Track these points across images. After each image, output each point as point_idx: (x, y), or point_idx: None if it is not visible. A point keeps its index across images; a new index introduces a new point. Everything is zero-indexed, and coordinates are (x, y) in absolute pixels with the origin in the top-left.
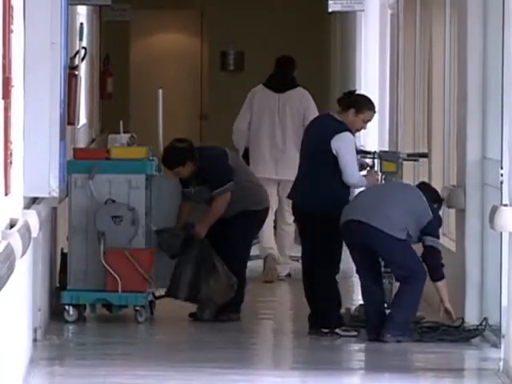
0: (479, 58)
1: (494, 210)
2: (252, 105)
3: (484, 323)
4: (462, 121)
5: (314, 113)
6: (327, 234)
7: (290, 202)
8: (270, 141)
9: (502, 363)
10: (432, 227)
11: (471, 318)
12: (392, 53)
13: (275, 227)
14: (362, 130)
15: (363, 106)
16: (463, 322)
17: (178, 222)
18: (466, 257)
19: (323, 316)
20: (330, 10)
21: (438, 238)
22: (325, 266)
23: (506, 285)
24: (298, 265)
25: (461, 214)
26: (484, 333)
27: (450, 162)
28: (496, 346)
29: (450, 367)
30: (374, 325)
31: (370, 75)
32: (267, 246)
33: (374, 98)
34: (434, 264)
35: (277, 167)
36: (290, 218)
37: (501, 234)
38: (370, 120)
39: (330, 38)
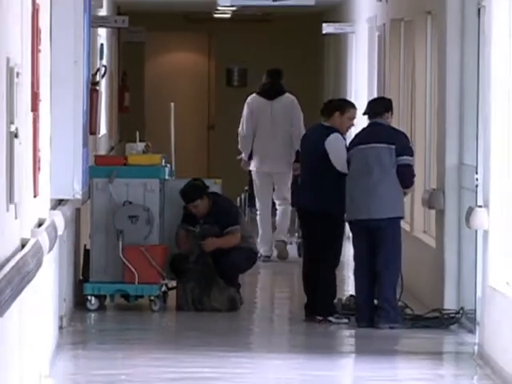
0: (457, 76)
1: (470, 210)
2: (248, 114)
3: (461, 312)
4: (442, 131)
5: (298, 114)
6: (330, 231)
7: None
8: (264, 141)
9: (476, 347)
10: (403, 148)
11: (449, 307)
12: (379, 70)
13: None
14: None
15: (344, 106)
16: (442, 311)
17: (178, 247)
18: (445, 252)
19: (319, 305)
20: (323, 32)
21: (408, 155)
22: (326, 261)
23: (481, 277)
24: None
25: (440, 214)
26: (461, 320)
27: (431, 167)
28: (472, 332)
29: (430, 351)
30: (363, 312)
31: (360, 89)
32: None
33: (361, 106)
34: (406, 177)
35: (270, 163)
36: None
37: (476, 232)
38: (354, 117)
39: (324, 57)
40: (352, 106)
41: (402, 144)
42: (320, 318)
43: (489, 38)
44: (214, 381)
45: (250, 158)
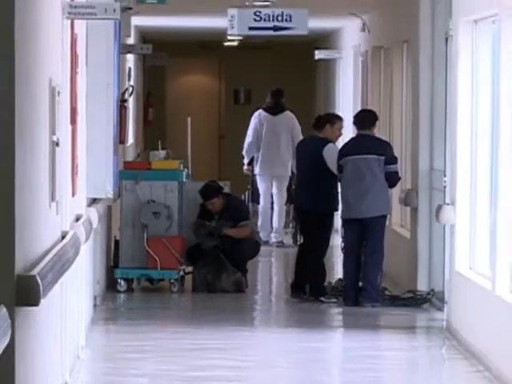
0: (428, 95)
1: (439, 207)
2: (256, 125)
3: (431, 293)
4: (415, 141)
5: (297, 129)
6: (322, 225)
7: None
8: (268, 149)
9: (445, 322)
10: (390, 158)
11: (422, 289)
12: (362, 89)
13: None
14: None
15: (333, 119)
16: (416, 292)
17: (196, 236)
18: (418, 243)
19: (312, 287)
20: (316, 57)
21: (394, 163)
22: (317, 250)
23: (448, 264)
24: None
25: (414, 210)
26: (431, 300)
27: (407, 171)
28: (440, 309)
29: (406, 325)
30: (350, 293)
31: (346, 105)
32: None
33: (349, 122)
34: (393, 181)
35: (271, 167)
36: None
37: (444, 225)
38: (342, 127)
39: (316, 78)
40: (339, 118)
41: (389, 154)
42: (313, 298)
43: (455, 62)
44: (222, 351)
45: (250, 163)
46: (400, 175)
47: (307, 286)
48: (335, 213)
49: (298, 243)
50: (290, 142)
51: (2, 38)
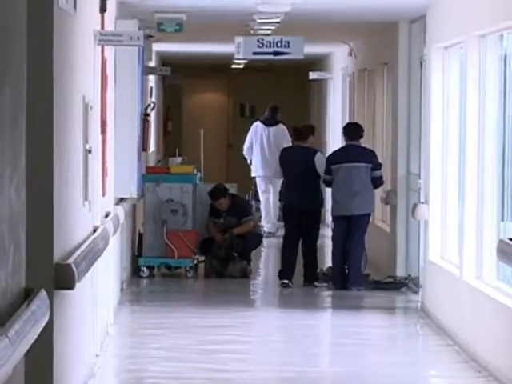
0: (405, 111)
1: (415, 206)
2: (252, 134)
3: (408, 278)
4: (395, 149)
5: (288, 139)
6: (316, 221)
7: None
8: (262, 155)
9: (419, 304)
10: (376, 165)
11: (400, 275)
12: (349, 105)
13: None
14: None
15: (314, 130)
16: (395, 277)
17: (208, 233)
18: (397, 236)
19: (311, 272)
20: (310, 77)
21: (379, 169)
22: (310, 243)
23: (422, 254)
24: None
25: (393, 208)
26: (408, 284)
27: (387, 175)
28: (416, 292)
29: (386, 306)
30: (338, 278)
31: (336, 119)
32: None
33: (338, 133)
34: (378, 184)
35: (265, 169)
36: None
37: (419, 221)
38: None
39: (310, 96)
40: (312, 128)
41: (375, 162)
42: (307, 283)
43: (428, 82)
44: (230, 328)
45: (250, 163)
46: (384, 179)
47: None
48: (325, 210)
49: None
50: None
51: (41, 61)
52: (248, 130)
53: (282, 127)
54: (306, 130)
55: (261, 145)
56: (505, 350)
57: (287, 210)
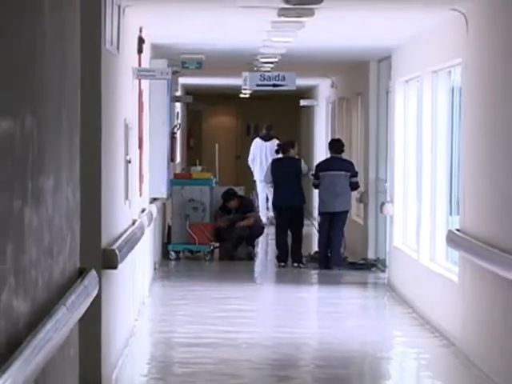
0: (374, 130)
1: (382, 204)
2: (254, 148)
3: (377, 260)
4: (366, 160)
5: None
6: (301, 216)
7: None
8: (260, 163)
9: (386, 280)
10: (353, 173)
11: (371, 257)
12: (332, 125)
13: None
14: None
15: (294, 145)
16: (367, 259)
17: (216, 224)
18: (368, 227)
19: (297, 256)
20: (301, 104)
21: (356, 177)
22: (299, 233)
23: (388, 241)
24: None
25: (366, 206)
26: (377, 265)
27: (361, 180)
28: (383, 271)
29: (360, 282)
30: (323, 260)
31: (320, 136)
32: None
33: (322, 147)
34: (355, 188)
35: (262, 174)
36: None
37: (385, 216)
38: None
39: (301, 118)
40: (293, 142)
41: (353, 171)
42: (296, 264)
43: (393, 108)
44: (238, 299)
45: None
46: (359, 184)
47: (288, 256)
48: (313, 207)
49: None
50: None
51: (92, 91)
52: (251, 145)
53: (276, 141)
54: (286, 145)
55: (260, 156)
56: (452, 315)
57: (279, 206)
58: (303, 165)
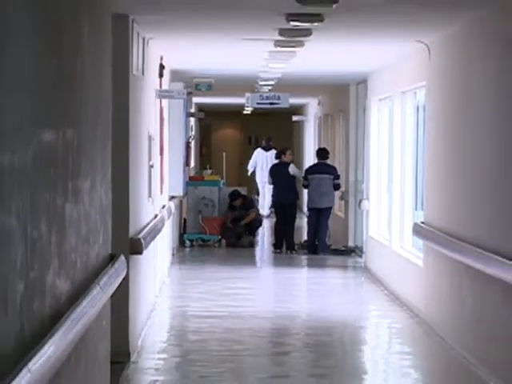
0: (354, 141)
1: (360, 201)
2: (254, 156)
3: (356, 247)
4: (347, 165)
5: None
6: (294, 211)
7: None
8: (261, 168)
9: (363, 263)
10: (336, 176)
11: (351, 245)
12: (319, 137)
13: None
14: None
15: (286, 150)
16: (347, 247)
17: (225, 220)
18: (349, 220)
19: (290, 243)
20: (293, 119)
21: (338, 179)
22: (292, 225)
23: (365, 231)
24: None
25: (346, 203)
26: (356, 251)
27: (343, 181)
28: (361, 256)
29: (342, 265)
30: (311, 247)
31: (309, 146)
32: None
33: (311, 154)
34: (337, 188)
35: (263, 177)
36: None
37: (363, 211)
38: (289, 153)
39: (293, 131)
40: (286, 149)
41: (335, 174)
42: (289, 250)
43: (368, 122)
44: (241, 279)
45: (253, 173)
46: (341, 185)
47: (284, 244)
48: (303, 204)
49: (274, 220)
50: None
51: (121, 108)
52: (252, 153)
53: (274, 151)
54: (279, 152)
55: (261, 162)
56: (417, 292)
57: (276, 203)
58: (291, 168)
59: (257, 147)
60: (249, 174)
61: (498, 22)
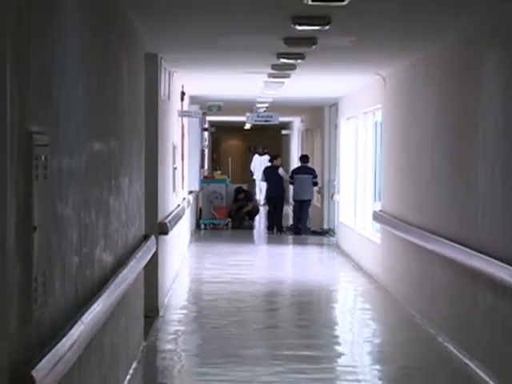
0: (328, 149)
1: (332, 194)
2: (254, 160)
3: (330, 229)
4: (323, 167)
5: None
6: (282, 203)
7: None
8: (258, 169)
9: (335, 242)
10: (315, 176)
11: (326, 227)
12: (301, 147)
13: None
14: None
15: (277, 157)
16: (323, 229)
17: (231, 210)
18: (324, 209)
19: (280, 227)
20: (282, 133)
21: (316, 178)
22: (281, 214)
23: (336, 217)
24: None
25: (322, 196)
26: (330, 232)
27: (320, 180)
28: (333, 236)
29: (319, 243)
30: (295, 229)
31: (294, 153)
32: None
33: (295, 159)
34: (315, 185)
35: (259, 176)
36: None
37: (335, 202)
38: (280, 158)
39: (282, 142)
40: (278, 156)
41: (314, 174)
42: (279, 232)
43: (339, 136)
44: (243, 253)
45: (252, 174)
46: (318, 182)
47: (275, 227)
48: (289, 197)
49: (267, 209)
50: None
51: (152, 124)
52: (251, 158)
53: (267, 156)
54: (271, 158)
55: (259, 165)
56: (376, 263)
57: (269, 197)
58: (280, 170)
59: (254, 153)
60: (253, 173)
61: (436, 62)
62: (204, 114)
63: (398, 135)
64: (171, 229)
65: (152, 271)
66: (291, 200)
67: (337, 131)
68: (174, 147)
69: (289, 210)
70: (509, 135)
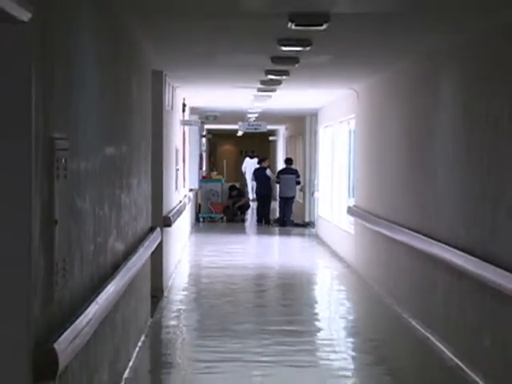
0: (308, 153)
1: (312, 192)
2: (245, 163)
3: (310, 222)
4: (304, 168)
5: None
6: (270, 200)
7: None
8: (249, 171)
9: (315, 232)
10: (298, 176)
11: (307, 220)
12: (286, 151)
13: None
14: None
15: (265, 159)
16: (304, 221)
17: (227, 205)
18: (305, 204)
19: (267, 220)
20: (270, 139)
21: (299, 178)
22: (268, 208)
23: (316, 211)
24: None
25: (304, 193)
26: (310, 224)
27: (302, 179)
28: (313, 228)
29: (301, 234)
30: (281, 222)
31: (280, 156)
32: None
33: (281, 162)
34: (298, 184)
35: (249, 176)
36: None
37: (315, 198)
38: (268, 160)
39: (270, 147)
40: (266, 158)
41: (297, 175)
42: (268, 224)
43: (317, 141)
44: (236, 242)
45: (243, 174)
46: (301, 181)
47: (263, 220)
48: (275, 195)
49: (256, 205)
50: None
51: (158, 133)
52: (243, 161)
53: (256, 159)
54: (260, 160)
55: (250, 166)
56: (350, 251)
57: (258, 194)
58: (267, 171)
59: (245, 156)
60: (244, 174)
61: (402, 78)
62: (202, 122)
63: (368, 141)
64: (174, 222)
65: (157, 258)
66: (277, 197)
67: (316, 137)
68: (177, 151)
69: (275, 205)
70: (461, 141)
